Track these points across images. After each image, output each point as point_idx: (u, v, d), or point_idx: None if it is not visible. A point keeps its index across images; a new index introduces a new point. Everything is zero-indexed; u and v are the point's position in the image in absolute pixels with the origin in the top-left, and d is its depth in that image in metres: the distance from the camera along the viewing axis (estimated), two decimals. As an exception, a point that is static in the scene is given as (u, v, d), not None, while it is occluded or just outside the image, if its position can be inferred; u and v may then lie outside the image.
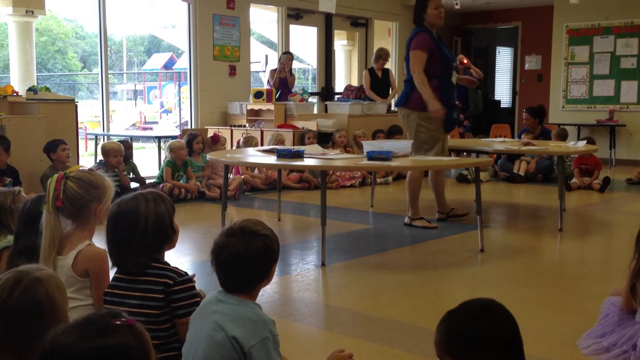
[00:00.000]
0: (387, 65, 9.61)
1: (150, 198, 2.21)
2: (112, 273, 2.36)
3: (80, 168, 2.49)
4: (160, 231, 2.20)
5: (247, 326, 1.87)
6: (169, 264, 2.22)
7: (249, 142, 7.62)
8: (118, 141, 7.08)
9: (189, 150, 7.20)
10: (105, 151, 6.45)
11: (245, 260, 1.92)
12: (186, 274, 2.20)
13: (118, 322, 1.29)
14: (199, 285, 2.36)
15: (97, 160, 6.55)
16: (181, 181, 6.98)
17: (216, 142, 7.74)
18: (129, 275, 2.20)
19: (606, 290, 3.09)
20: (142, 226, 2.16)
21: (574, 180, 7.81)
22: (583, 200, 7.12)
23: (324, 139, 8.27)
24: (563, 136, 8.15)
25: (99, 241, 2.42)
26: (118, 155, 6.41)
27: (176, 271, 2.17)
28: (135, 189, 6.32)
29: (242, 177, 7.35)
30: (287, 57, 9.44)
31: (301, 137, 8.16)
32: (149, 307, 2.12)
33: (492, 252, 4.70)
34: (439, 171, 5.66)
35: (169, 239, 2.24)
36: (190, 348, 1.96)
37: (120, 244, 2.19)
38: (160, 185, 6.72)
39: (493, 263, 4.50)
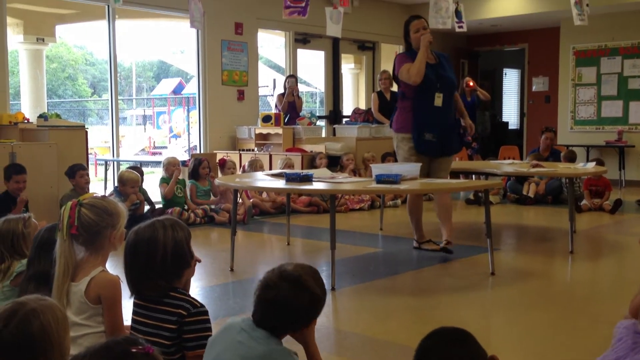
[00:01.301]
0: (395, 88, 9.63)
1: (167, 225, 2.22)
2: (127, 301, 2.37)
3: (94, 195, 2.50)
4: (179, 257, 2.20)
5: None
6: (186, 294, 2.21)
7: (253, 165, 7.65)
8: (129, 167, 7.12)
9: (195, 175, 7.23)
10: (122, 180, 6.41)
11: (289, 309, 1.93)
12: (202, 305, 2.19)
13: (135, 350, 1.29)
14: (209, 312, 2.35)
15: (113, 187, 6.57)
16: (184, 207, 7.01)
17: (223, 166, 7.77)
18: (147, 302, 2.20)
19: (619, 313, 3.06)
20: (161, 254, 2.17)
21: (584, 202, 7.78)
22: (594, 222, 7.08)
23: (333, 162, 8.29)
24: (571, 158, 8.13)
25: (114, 267, 2.43)
26: (135, 186, 6.41)
27: (192, 302, 2.16)
28: (146, 215, 6.34)
29: (251, 200, 7.36)
30: (293, 80, 9.51)
31: (310, 161, 8.18)
32: (161, 337, 2.12)
33: (503, 275, 4.67)
34: (417, 196, 5.42)
35: (187, 265, 2.25)
36: None
37: (139, 272, 2.20)
38: (169, 210, 6.73)
39: (504, 286, 4.47)
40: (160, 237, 2.19)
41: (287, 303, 1.92)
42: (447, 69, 5.29)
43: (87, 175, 6.28)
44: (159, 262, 2.16)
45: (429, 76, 5.14)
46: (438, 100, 5.15)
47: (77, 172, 6.12)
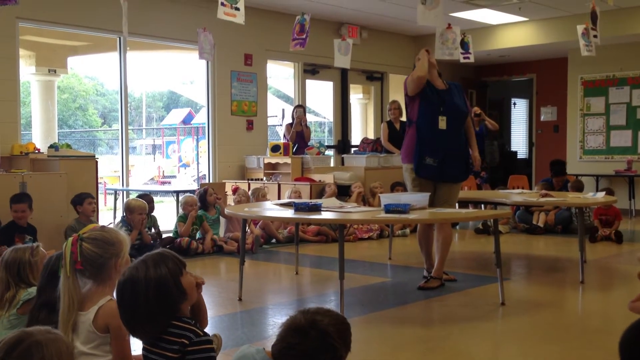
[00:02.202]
0: (404, 118, 9.67)
1: (150, 263, 2.16)
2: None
3: (92, 227, 2.49)
4: (164, 295, 2.13)
5: None
6: (190, 323, 2.18)
7: (256, 194, 7.68)
8: (139, 195, 7.14)
9: (204, 205, 7.23)
10: (130, 208, 6.42)
11: (312, 358, 1.91)
12: (205, 334, 2.17)
13: None
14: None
15: (121, 217, 6.59)
16: (197, 235, 7.00)
17: (235, 194, 7.85)
18: (143, 342, 2.19)
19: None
20: (143, 295, 2.11)
21: (599, 232, 7.67)
22: (604, 252, 7.03)
23: (342, 191, 8.30)
24: (579, 188, 8.10)
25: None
26: (142, 213, 6.41)
27: (195, 331, 2.14)
28: (154, 244, 6.35)
29: (258, 226, 7.36)
30: (301, 110, 9.56)
31: (320, 191, 8.19)
32: None
33: (514, 305, 4.62)
34: (427, 226, 5.34)
35: (176, 300, 2.17)
36: None
37: (128, 315, 2.17)
38: (178, 240, 6.73)
39: (515, 317, 4.42)
40: (141, 278, 2.13)
41: (310, 354, 1.90)
42: (456, 96, 5.25)
43: (95, 203, 6.30)
44: (142, 303, 2.11)
45: (432, 99, 5.12)
46: (442, 124, 5.08)
47: (85, 200, 6.15)
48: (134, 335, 2.23)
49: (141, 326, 2.14)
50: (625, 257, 6.86)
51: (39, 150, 7.01)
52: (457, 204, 5.51)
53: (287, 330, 1.94)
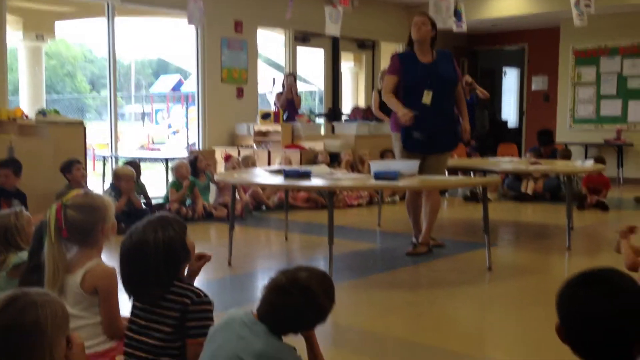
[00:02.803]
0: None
1: (158, 225, 2.18)
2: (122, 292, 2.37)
3: (75, 194, 2.45)
4: (172, 257, 2.17)
5: None
6: (191, 285, 2.21)
7: (245, 161, 7.67)
8: (126, 162, 7.12)
9: (194, 171, 7.23)
10: (117, 176, 6.41)
11: (296, 317, 1.94)
12: (206, 296, 2.19)
13: None
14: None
15: (110, 183, 6.57)
16: (187, 202, 7.00)
17: (228, 161, 7.84)
18: (146, 304, 2.20)
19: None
20: (153, 258, 2.14)
21: (588, 199, 7.72)
22: (591, 220, 7.09)
23: (331, 159, 8.30)
24: (567, 156, 8.14)
25: (109, 260, 2.44)
26: (130, 181, 6.41)
27: (196, 292, 2.16)
28: (145, 210, 6.34)
29: (248, 193, 7.37)
30: (292, 78, 9.50)
31: (311, 160, 8.17)
32: (165, 325, 2.13)
33: (500, 271, 4.68)
34: (415, 193, 5.34)
35: (183, 262, 2.23)
36: None
37: (135, 279, 2.19)
38: (168, 206, 6.74)
39: (501, 281, 4.47)
40: (150, 240, 2.15)
41: (294, 311, 1.92)
42: (443, 67, 5.14)
43: (84, 169, 6.27)
44: (152, 266, 2.14)
45: (418, 75, 5.06)
46: (426, 98, 5.02)
47: (74, 166, 6.11)
48: (135, 298, 2.23)
49: (148, 288, 2.15)
50: (613, 223, 6.92)
51: (26, 116, 6.95)
52: (446, 172, 5.52)
53: (270, 291, 1.95)
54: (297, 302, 1.91)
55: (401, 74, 5.11)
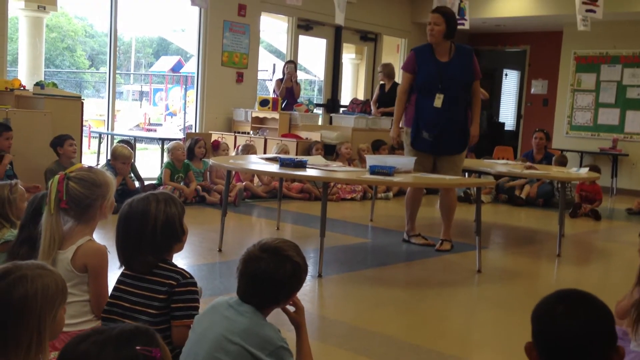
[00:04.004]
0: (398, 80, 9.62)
1: (161, 199, 2.24)
2: (112, 272, 2.36)
3: (79, 167, 2.47)
4: (170, 232, 2.22)
5: (258, 340, 1.89)
6: (176, 266, 2.24)
7: (246, 149, 7.63)
8: (120, 141, 7.08)
9: (191, 155, 7.20)
10: (115, 155, 6.38)
11: (271, 280, 1.95)
12: (191, 277, 2.21)
13: (140, 350, 1.28)
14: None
15: (106, 161, 6.54)
16: (181, 184, 6.98)
17: (216, 148, 7.74)
18: (137, 273, 2.22)
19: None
20: (151, 226, 2.19)
21: (582, 207, 7.74)
22: (582, 228, 7.11)
23: (328, 151, 8.28)
24: (562, 162, 8.16)
25: (101, 238, 2.42)
26: (127, 162, 6.37)
27: (182, 273, 2.19)
28: (137, 190, 6.32)
29: (244, 183, 7.35)
30: (292, 66, 9.47)
31: (306, 149, 8.16)
32: (150, 307, 2.14)
33: (489, 274, 4.69)
34: (417, 189, 5.45)
35: (177, 240, 2.27)
36: (192, 348, 1.96)
37: (130, 244, 2.22)
38: (161, 187, 6.71)
39: (490, 284, 4.49)
40: (152, 210, 2.20)
41: (269, 274, 1.94)
42: (460, 66, 5.15)
43: (76, 145, 6.22)
44: (149, 234, 2.18)
45: (432, 76, 5.11)
46: (438, 102, 5.09)
47: (66, 141, 6.06)
48: (127, 266, 2.25)
49: (142, 256, 2.19)
50: (603, 233, 6.95)
51: (24, 87, 6.90)
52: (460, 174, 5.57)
53: (243, 263, 1.99)
54: (270, 264, 1.94)
55: (415, 73, 5.20)
